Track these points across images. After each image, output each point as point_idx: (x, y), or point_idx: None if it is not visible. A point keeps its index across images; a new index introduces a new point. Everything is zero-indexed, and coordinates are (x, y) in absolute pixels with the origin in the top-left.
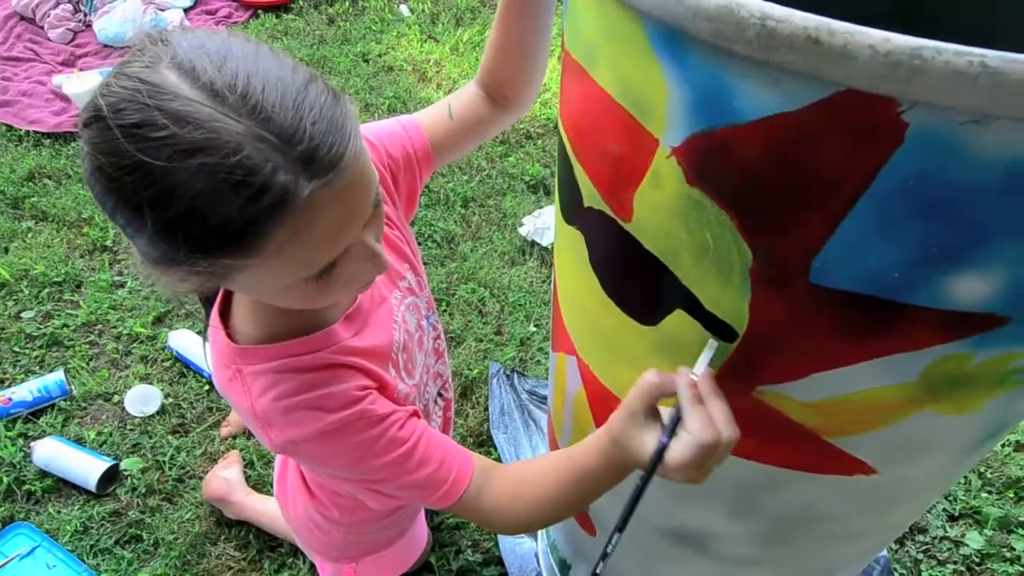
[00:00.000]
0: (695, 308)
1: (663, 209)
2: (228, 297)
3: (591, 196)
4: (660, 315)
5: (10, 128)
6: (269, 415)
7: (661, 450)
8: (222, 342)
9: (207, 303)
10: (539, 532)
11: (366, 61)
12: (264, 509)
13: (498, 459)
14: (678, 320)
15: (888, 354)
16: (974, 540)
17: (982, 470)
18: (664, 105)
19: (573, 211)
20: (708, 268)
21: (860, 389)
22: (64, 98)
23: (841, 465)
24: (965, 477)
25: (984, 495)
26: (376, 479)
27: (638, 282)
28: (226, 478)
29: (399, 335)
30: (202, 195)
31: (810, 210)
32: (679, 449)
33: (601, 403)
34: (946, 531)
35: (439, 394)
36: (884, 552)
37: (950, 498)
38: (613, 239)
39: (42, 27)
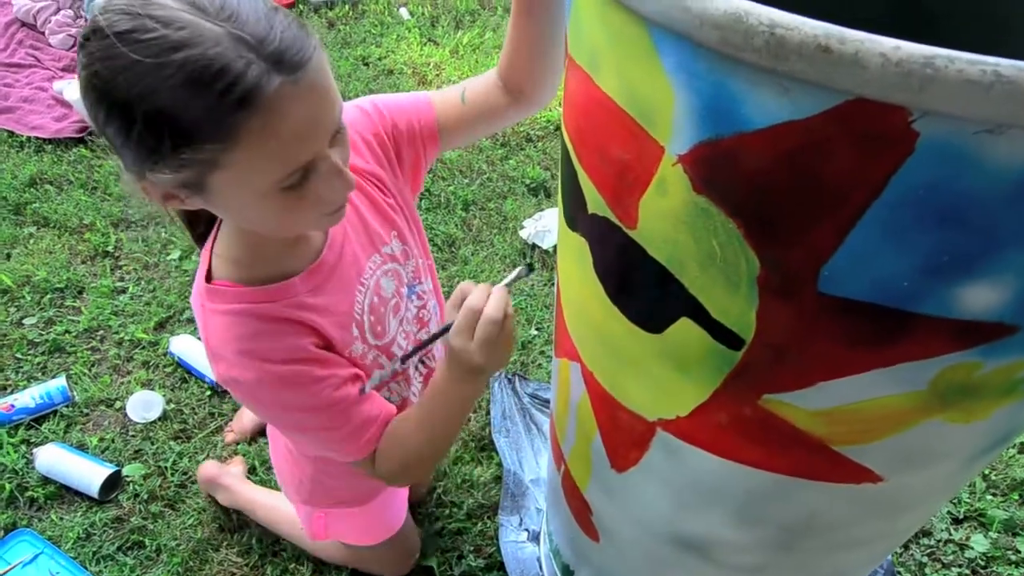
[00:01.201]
0: (701, 316)
1: (669, 217)
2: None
3: (595, 203)
4: (666, 323)
5: (12, 134)
6: (219, 351)
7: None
8: (201, 275)
9: (199, 239)
10: (542, 537)
11: (366, 64)
12: (254, 498)
13: (500, 463)
14: (684, 328)
15: (897, 363)
16: (979, 543)
17: (987, 472)
18: (670, 113)
19: (577, 217)
20: (715, 276)
21: (868, 398)
22: (65, 104)
23: (848, 473)
24: None
25: (989, 497)
26: (300, 426)
27: (643, 290)
28: (218, 463)
29: (364, 296)
30: (185, 86)
31: (819, 219)
32: (459, 315)
33: (606, 409)
34: (951, 534)
35: (421, 361)
36: (888, 556)
37: (955, 501)
38: (618, 246)
39: (43, 33)
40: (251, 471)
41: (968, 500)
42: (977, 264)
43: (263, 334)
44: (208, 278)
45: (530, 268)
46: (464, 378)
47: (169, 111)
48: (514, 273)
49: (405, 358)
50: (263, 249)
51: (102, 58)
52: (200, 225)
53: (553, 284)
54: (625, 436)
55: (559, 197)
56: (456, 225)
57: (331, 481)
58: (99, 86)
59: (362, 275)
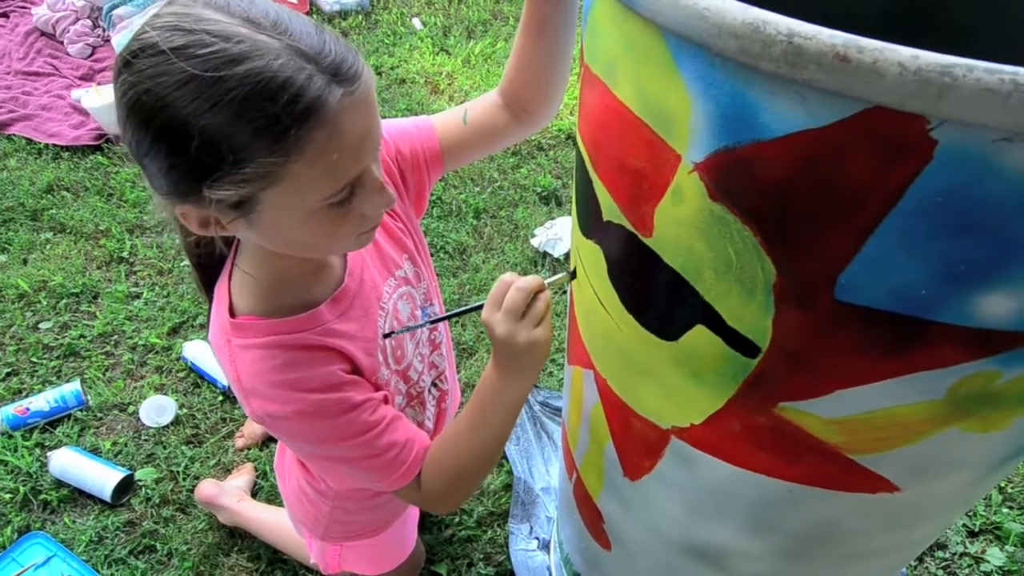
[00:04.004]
0: (717, 323)
1: (685, 224)
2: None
3: (610, 210)
4: (680, 330)
5: (30, 141)
6: (253, 386)
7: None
8: (222, 312)
9: (208, 286)
10: (552, 546)
11: (379, 74)
12: (256, 516)
13: (509, 471)
14: (699, 335)
15: (914, 371)
16: (995, 556)
17: (1003, 485)
18: (687, 121)
19: (591, 225)
20: (731, 284)
21: (885, 406)
22: (83, 112)
23: (864, 482)
24: None
25: (1005, 510)
26: (342, 458)
27: (658, 297)
28: (216, 482)
29: (385, 321)
30: (249, 99)
31: (836, 227)
32: (493, 287)
33: (619, 417)
34: (966, 547)
35: (434, 384)
36: (903, 569)
37: (970, 513)
38: (633, 254)
39: (62, 42)
40: (262, 476)
41: (984, 513)
42: (995, 272)
43: (295, 364)
44: (231, 314)
45: (573, 275)
46: (503, 368)
47: (230, 126)
48: (558, 275)
49: (436, 320)
50: (287, 278)
51: (154, 75)
52: (210, 271)
53: (564, 292)
54: (638, 444)
55: (573, 204)
56: (467, 233)
57: (348, 517)
58: (150, 103)
59: (381, 300)
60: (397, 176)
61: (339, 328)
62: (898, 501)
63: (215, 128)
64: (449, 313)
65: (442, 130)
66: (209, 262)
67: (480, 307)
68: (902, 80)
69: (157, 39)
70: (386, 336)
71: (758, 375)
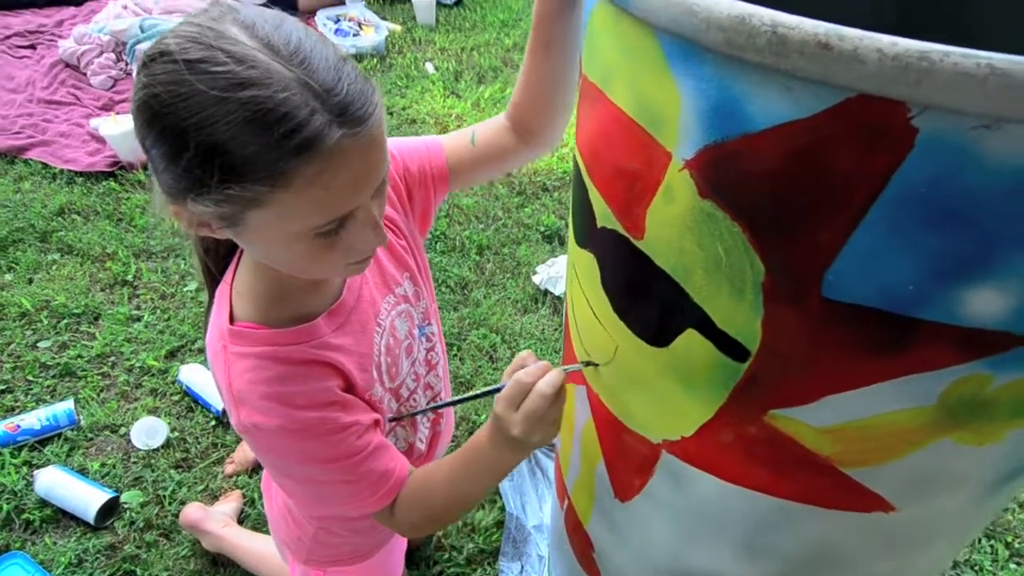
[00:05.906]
0: (707, 327)
1: (676, 224)
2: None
3: (604, 216)
4: (672, 335)
5: (46, 166)
6: (243, 395)
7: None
8: (221, 316)
9: (212, 281)
10: (543, 573)
11: (390, 114)
12: (241, 543)
13: (502, 508)
14: (690, 340)
15: (904, 375)
16: None
17: (1009, 540)
18: (677, 118)
19: (586, 234)
20: (721, 283)
21: (876, 413)
22: (100, 139)
23: (858, 500)
24: (992, 546)
25: (1013, 566)
26: (316, 480)
27: (650, 301)
28: (202, 506)
29: (381, 338)
30: (246, 123)
31: (822, 219)
32: (509, 382)
33: (610, 433)
34: None
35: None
36: None
37: (976, 568)
38: (625, 258)
39: (85, 74)
40: (250, 504)
41: (990, 568)
42: (979, 266)
43: (289, 377)
44: (230, 319)
45: (589, 363)
46: (504, 446)
47: (224, 146)
48: (576, 365)
49: (439, 406)
50: (286, 289)
51: (165, 82)
52: (213, 264)
53: (562, 328)
54: (629, 461)
55: (570, 220)
56: (470, 268)
57: (333, 539)
58: (156, 107)
59: (378, 316)
60: (404, 193)
61: (335, 342)
62: (895, 522)
63: (209, 145)
64: (457, 400)
65: (450, 150)
66: (215, 256)
67: (490, 393)
68: (882, 66)
69: (175, 48)
70: (393, 420)
71: (748, 380)
